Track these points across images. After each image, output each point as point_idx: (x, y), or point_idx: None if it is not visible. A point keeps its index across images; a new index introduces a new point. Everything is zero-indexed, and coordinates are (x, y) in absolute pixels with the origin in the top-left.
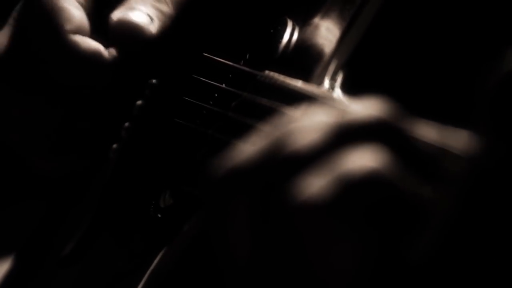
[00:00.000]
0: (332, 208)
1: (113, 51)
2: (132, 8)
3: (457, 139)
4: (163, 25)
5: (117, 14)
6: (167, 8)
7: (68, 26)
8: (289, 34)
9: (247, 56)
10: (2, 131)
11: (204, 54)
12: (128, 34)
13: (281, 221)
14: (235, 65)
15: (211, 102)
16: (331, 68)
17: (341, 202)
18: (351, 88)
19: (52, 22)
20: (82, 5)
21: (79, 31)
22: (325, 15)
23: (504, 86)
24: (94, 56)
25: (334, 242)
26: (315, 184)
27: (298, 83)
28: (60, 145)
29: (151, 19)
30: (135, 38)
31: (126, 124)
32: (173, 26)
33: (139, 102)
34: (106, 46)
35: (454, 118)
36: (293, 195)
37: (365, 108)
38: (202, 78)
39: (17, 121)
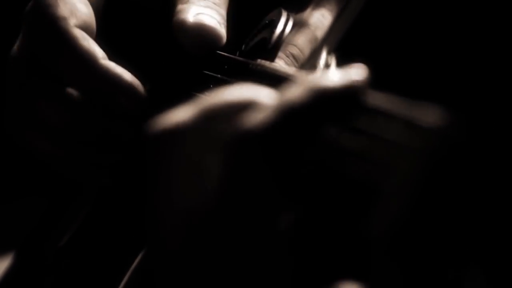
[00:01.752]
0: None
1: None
2: (202, 12)
3: (422, 113)
4: (225, 31)
5: (192, 15)
6: (224, 12)
7: (72, 20)
8: (283, 24)
9: (243, 47)
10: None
11: None
12: (206, 39)
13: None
14: (230, 56)
15: (206, 93)
16: (324, 53)
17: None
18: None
19: (54, 14)
20: (91, 2)
21: (82, 26)
22: (321, 3)
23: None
24: (89, 58)
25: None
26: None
27: (290, 70)
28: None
29: (220, 25)
30: (212, 45)
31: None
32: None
33: None
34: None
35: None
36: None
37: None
38: (199, 69)
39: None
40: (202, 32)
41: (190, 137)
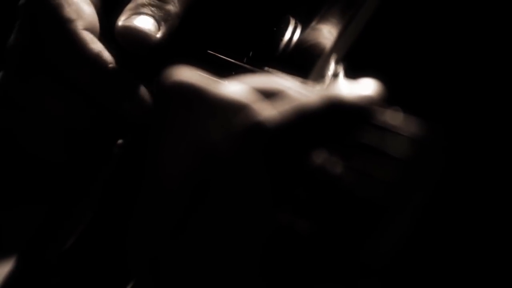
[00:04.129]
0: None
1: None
2: (137, 13)
3: (427, 130)
4: (170, 27)
5: (122, 20)
6: (174, 8)
7: (80, 22)
8: (291, 32)
9: (250, 53)
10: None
11: (209, 51)
12: (134, 41)
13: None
14: (237, 62)
15: None
16: (331, 64)
17: None
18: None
19: (63, 16)
20: (92, 2)
21: (89, 28)
22: (326, 20)
23: None
24: (95, 58)
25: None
26: None
27: (296, 80)
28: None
29: (158, 23)
30: (141, 45)
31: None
32: (179, 23)
33: None
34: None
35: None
36: None
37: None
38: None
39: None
40: (128, 36)
41: (212, 105)
